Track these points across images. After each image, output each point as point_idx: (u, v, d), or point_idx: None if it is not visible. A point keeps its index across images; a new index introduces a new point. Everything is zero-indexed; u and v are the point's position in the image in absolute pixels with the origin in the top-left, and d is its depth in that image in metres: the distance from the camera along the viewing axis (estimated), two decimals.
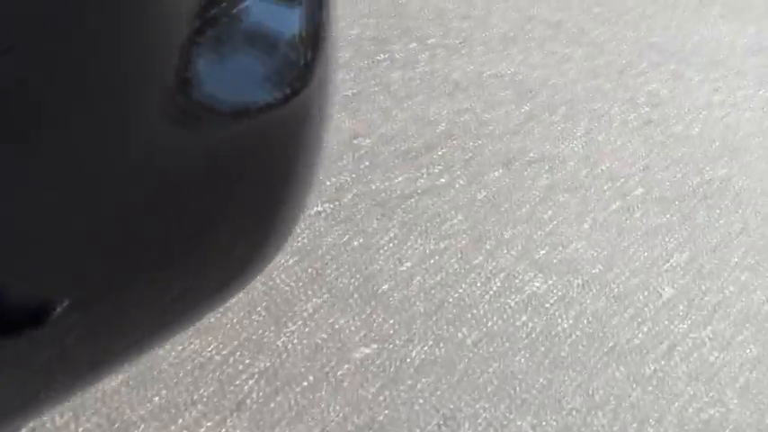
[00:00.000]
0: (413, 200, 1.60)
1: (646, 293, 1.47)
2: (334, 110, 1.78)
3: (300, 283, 1.41)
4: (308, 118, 0.74)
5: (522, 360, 1.30)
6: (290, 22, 0.70)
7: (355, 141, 1.72)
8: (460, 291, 1.44)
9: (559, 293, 1.45)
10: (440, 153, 1.73)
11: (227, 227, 0.75)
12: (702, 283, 1.52)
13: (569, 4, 2.36)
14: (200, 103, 0.54)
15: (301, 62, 0.68)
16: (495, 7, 2.28)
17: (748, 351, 1.39)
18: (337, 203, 1.58)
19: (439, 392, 1.23)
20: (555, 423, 1.21)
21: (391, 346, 1.34)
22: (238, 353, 1.25)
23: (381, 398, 1.21)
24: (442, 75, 1.96)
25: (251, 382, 1.20)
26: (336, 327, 1.36)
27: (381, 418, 1.18)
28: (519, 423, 1.20)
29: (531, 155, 1.77)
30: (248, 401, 1.17)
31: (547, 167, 1.74)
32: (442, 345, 1.35)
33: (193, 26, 0.53)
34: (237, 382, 1.19)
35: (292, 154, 0.74)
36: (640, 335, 1.39)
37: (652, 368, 1.32)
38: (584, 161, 1.79)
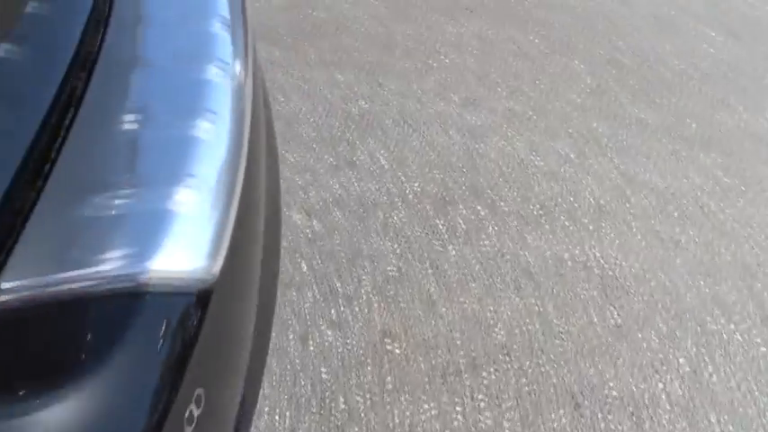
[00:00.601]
0: None
1: None
2: (366, 296, 1.46)
3: None
4: None
5: None
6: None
7: (385, 344, 1.38)
8: None
9: None
10: (489, 376, 1.35)
11: None
12: None
13: (686, 167, 1.93)
14: None
15: None
16: (591, 165, 1.90)
17: None
18: None
19: None
20: None
21: None
22: None
23: None
24: (511, 256, 1.60)
25: None
26: None
27: None
28: None
29: (611, 392, 1.35)
30: None
31: (630, 416, 1.31)
32: None
33: None
34: None
35: None
36: None
37: None
38: (684, 409, 1.34)
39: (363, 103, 2.01)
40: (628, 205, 1.79)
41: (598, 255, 1.63)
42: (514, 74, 2.23)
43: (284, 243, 1.55)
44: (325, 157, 1.80)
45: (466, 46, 2.34)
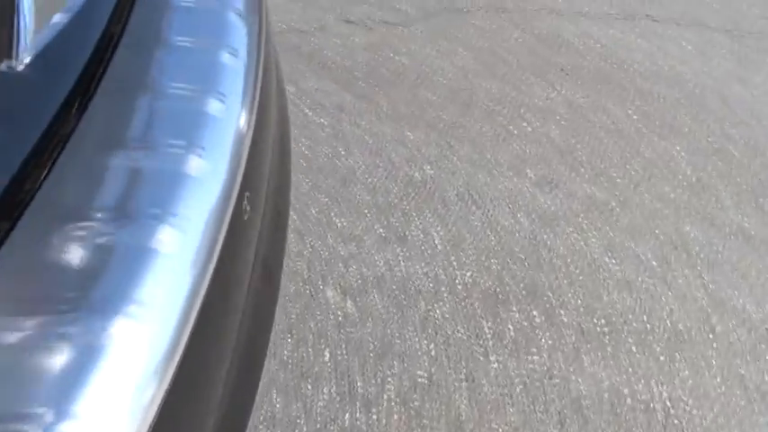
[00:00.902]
0: None
1: None
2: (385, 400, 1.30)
3: None
4: None
5: None
6: None
7: None
8: None
9: None
10: None
11: None
12: None
13: None
14: None
15: None
16: (675, 278, 1.66)
17: None
18: None
19: None
20: None
21: None
22: None
23: None
24: (561, 380, 1.39)
25: None
26: None
27: None
28: None
29: None
30: None
31: None
32: None
33: None
34: None
35: None
36: None
37: None
38: None
39: (429, 168, 1.85)
40: (711, 336, 1.54)
41: (665, 395, 1.40)
42: (603, 153, 2.01)
43: (311, 323, 1.42)
44: (376, 226, 1.66)
45: (553, 113, 2.13)
